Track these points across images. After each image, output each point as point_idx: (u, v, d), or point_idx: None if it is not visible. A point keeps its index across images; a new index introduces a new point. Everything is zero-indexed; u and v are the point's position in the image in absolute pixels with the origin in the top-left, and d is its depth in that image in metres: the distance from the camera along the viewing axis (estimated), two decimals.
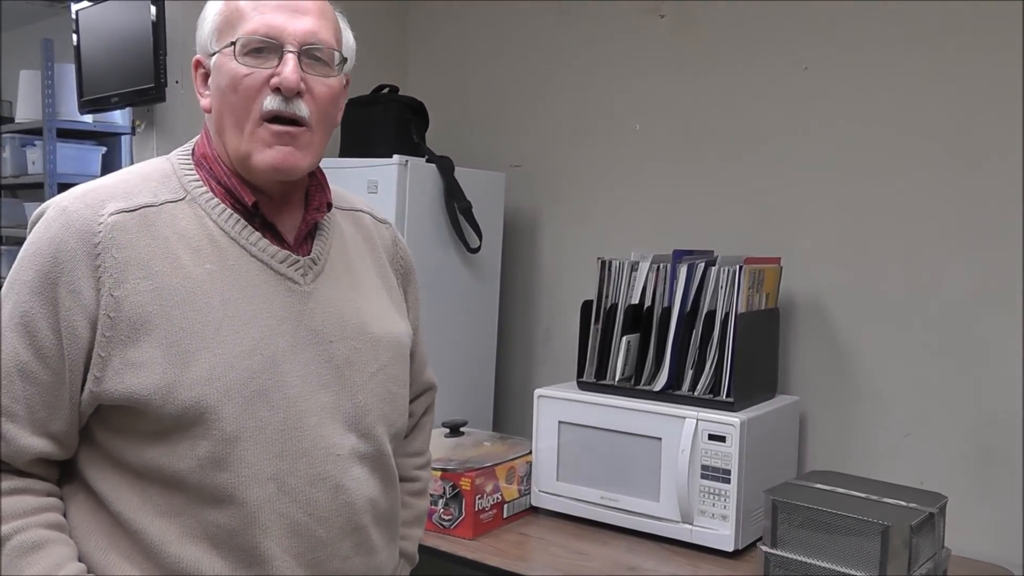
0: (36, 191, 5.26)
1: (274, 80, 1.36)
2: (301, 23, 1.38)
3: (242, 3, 1.39)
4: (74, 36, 3.23)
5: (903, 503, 2.06)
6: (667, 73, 2.94)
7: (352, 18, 1.51)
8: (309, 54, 1.39)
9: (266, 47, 1.37)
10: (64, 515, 1.36)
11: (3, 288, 1.34)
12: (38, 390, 1.30)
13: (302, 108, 1.38)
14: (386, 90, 3.09)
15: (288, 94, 1.37)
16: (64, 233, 1.30)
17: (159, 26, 2.90)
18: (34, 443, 1.31)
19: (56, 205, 1.35)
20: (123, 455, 1.33)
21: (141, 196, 1.37)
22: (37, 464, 1.33)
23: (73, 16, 3.24)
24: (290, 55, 1.37)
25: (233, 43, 1.37)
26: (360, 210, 1.65)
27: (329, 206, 1.51)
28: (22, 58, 5.82)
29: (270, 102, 1.36)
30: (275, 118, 1.37)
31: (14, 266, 1.35)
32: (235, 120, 1.39)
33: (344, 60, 1.46)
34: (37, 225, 1.35)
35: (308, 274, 1.44)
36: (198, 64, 1.46)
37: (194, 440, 1.30)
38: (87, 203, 1.33)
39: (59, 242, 1.30)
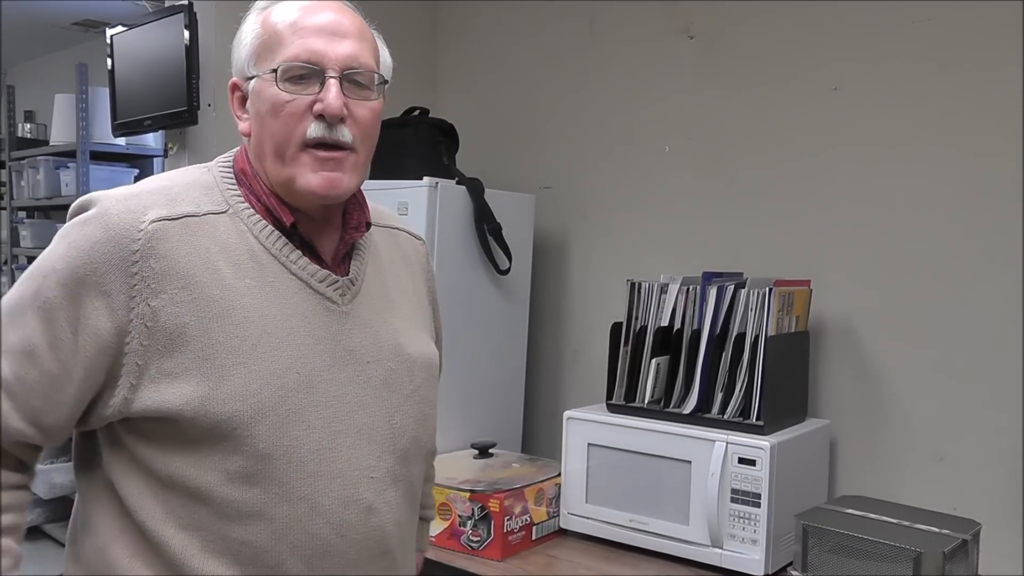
0: None
1: (317, 107, 1.36)
2: (342, 47, 1.38)
3: (280, 27, 1.39)
4: (108, 60, 3.27)
5: (936, 529, 2.04)
6: (696, 94, 2.94)
7: (383, 40, 1.52)
8: (350, 78, 1.39)
9: (307, 73, 1.37)
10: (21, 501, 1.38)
11: (33, 266, 1.35)
12: (40, 379, 1.30)
13: (345, 133, 1.38)
14: (416, 112, 3.11)
15: (332, 121, 1.36)
16: (103, 235, 1.30)
17: (192, 50, 2.93)
18: (20, 427, 1.31)
19: (99, 203, 1.34)
20: (148, 462, 1.32)
21: (184, 205, 1.37)
22: (13, 446, 1.34)
23: (107, 41, 3.28)
24: (332, 81, 1.37)
25: (274, 70, 1.37)
26: (397, 228, 1.66)
27: (368, 225, 1.51)
28: (57, 82, 5.91)
29: (314, 129, 1.36)
30: (319, 144, 1.37)
31: (49, 249, 1.35)
32: (276, 146, 1.39)
33: (384, 82, 1.46)
34: (78, 219, 1.35)
35: (346, 294, 1.45)
36: (235, 87, 1.46)
37: (224, 454, 1.31)
38: (129, 207, 1.33)
39: (95, 243, 1.30)
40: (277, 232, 1.41)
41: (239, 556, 1.32)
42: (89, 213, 1.34)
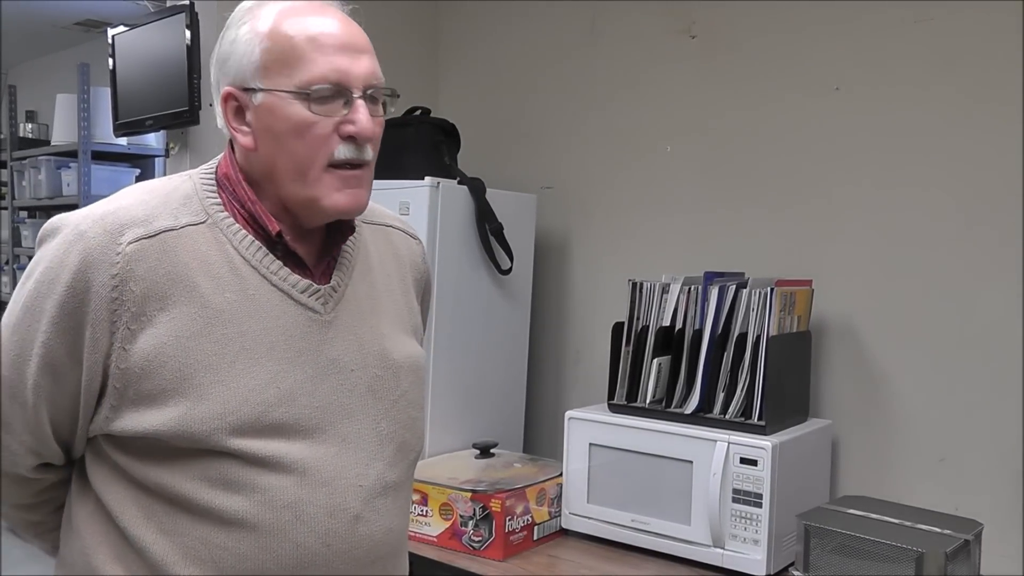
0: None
1: (349, 128, 1.33)
2: (363, 64, 1.35)
3: (297, 39, 1.33)
4: (110, 60, 3.27)
5: (937, 529, 2.04)
6: (698, 94, 2.94)
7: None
8: (368, 96, 1.36)
9: (333, 93, 1.33)
10: None
11: (20, 305, 1.32)
12: (61, 410, 1.34)
13: (369, 152, 1.37)
14: (418, 112, 3.11)
15: (363, 143, 1.35)
16: (82, 263, 1.28)
17: (193, 50, 2.93)
18: (54, 448, 1.38)
19: (73, 227, 1.31)
20: (129, 470, 1.32)
21: (161, 220, 1.33)
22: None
23: (109, 41, 3.29)
24: (360, 102, 1.34)
25: (302, 91, 1.32)
26: (391, 226, 1.63)
27: (352, 229, 1.48)
28: (59, 82, 5.92)
29: (342, 151, 1.34)
30: (343, 163, 1.35)
31: (30, 283, 1.32)
32: (296, 166, 1.35)
33: (396, 96, 1.43)
34: (51, 244, 1.31)
35: (328, 302, 1.41)
36: (230, 97, 1.40)
37: (206, 463, 1.29)
38: (105, 228, 1.29)
39: (76, 271, 1.28)
40: (257, 243, 1.38)
41: (221, 564, 1.30)
42: (64, 238, 1.30)
